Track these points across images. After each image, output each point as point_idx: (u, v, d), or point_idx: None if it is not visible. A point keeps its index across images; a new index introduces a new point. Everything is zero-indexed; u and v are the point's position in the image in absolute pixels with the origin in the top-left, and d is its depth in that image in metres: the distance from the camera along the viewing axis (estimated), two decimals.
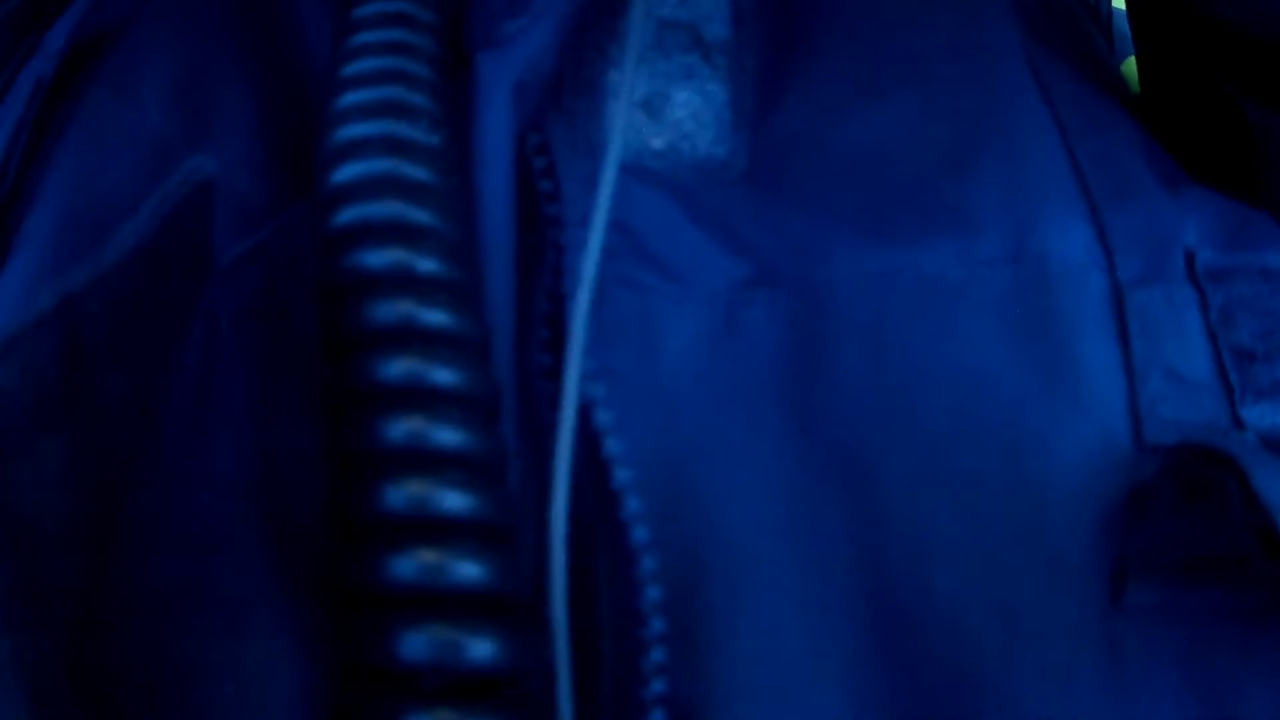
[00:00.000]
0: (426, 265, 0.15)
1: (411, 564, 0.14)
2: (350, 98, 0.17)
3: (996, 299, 0.18)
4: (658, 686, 0.15)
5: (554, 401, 0.16)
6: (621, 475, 0.16)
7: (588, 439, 0.16)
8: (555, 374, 0.16)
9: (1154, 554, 0.16)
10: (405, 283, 0.15)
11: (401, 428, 0.15)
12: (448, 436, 0.15)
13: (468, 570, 0.14)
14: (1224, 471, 0.15)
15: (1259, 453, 0.16)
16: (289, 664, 0.15)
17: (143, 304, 0.14)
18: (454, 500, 0.14)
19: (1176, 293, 0.18)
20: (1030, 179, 0.19)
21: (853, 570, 0.16)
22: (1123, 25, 0.30)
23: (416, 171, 0.16)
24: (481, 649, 0.14)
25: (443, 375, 0.15)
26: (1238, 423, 0.17)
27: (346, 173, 0.16)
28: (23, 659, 0.12)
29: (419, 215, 0.16)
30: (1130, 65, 0.29)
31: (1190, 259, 0.18)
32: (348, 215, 0.16)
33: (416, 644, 0.14)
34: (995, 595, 0.16)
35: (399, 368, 0.15)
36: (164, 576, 0.15)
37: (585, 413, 0.16)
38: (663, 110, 0.20)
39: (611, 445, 0.16)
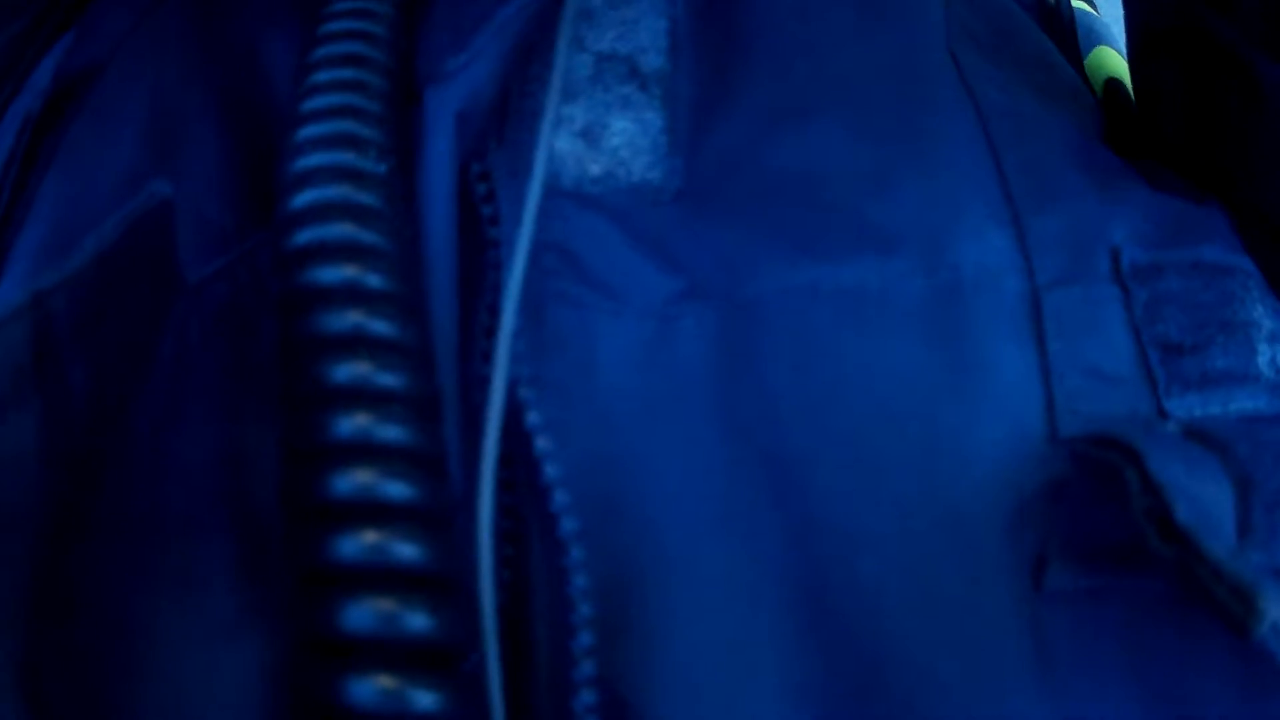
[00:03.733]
0: (373, 281, 0.17)
1: (356, 544, 0.15)
2: (306, 131, 0.19)
3: (912, 307, 0.19)
4: (587, 668, 0.16)
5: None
6: (550, 471, 0.17)
7: (522, 439, 0.18)
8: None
9: (1072, 542, 0.17)
10: (354, 296, 0.17)
11: (350, 424, 0.16)
12: (391, 432, 0.16)
13: (407, 550, 0.15)
14: (1124, 458, 0.16)
15: (1163, 439, 0.17)
16: (249, 641, 0.16)
17: (106, 304, 0.16)
18: (395, 488, 0.16)
19: (1097, 291, 0.19)
20: (950, 192, 0.20)
21: (782, 565, 0.17)
22: (1087, 21, 0.31)
23: (364, 197, 0.18)
24: (418, 621, 0.15)
25: (387, 379, 0.17)
26: (1162, 414, 0.18)
27: (301, 199, 0.18)
28: None
29: (366, 237, 0.17)
30: (1096, 58, 0.30)
31: (1116, 258, 0.19)
32: (302, 237, 0.17)
33: (358, 616, 0.15)
34: (918, 585, 0.17)
35: (348, 371, 0.16)
36: (132, 558, 0.16)
37: (518, 415, 0.18)
38: (600, 138, 0.21)
39: (541, 444, 0.17)
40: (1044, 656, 0.17)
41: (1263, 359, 0.18)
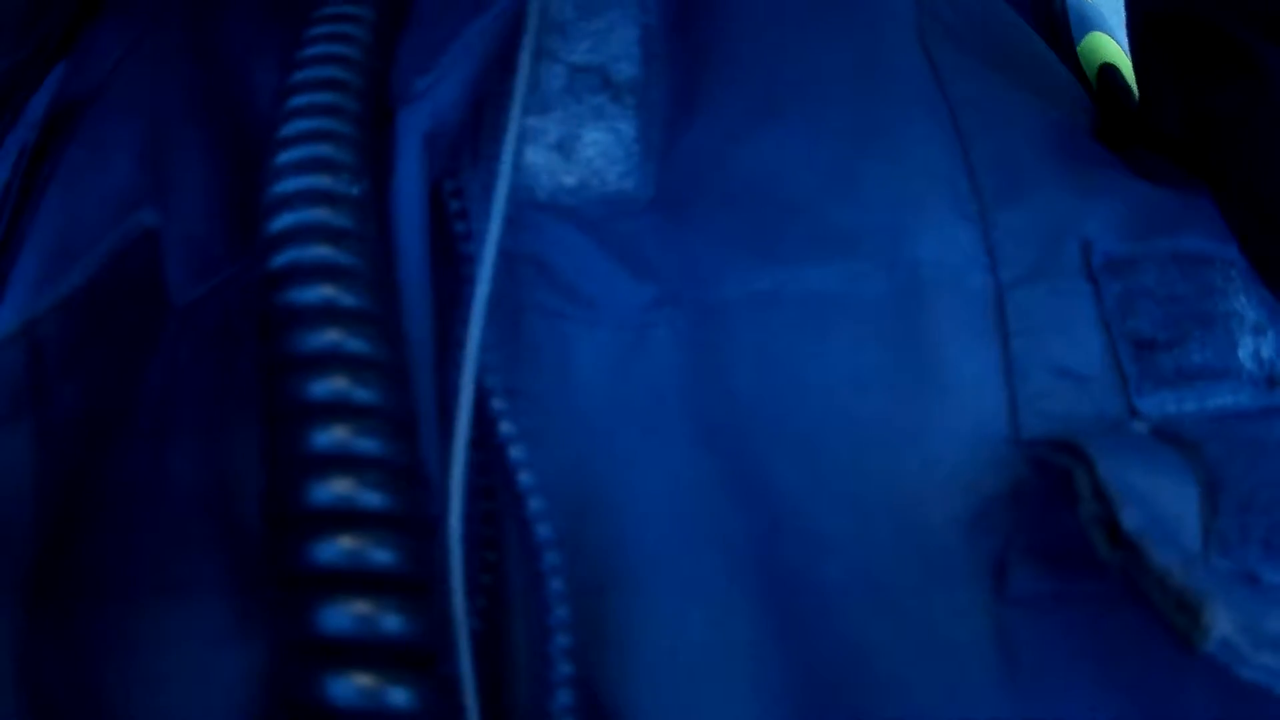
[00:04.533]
0: (348, 300, 0.18)
1: (333, 549, 0.16)
2: (283, 156, 0.19)
3: (873, 308, 0.18)
4: (565, 669, 0.17)
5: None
6: (525, 479, 0.18)
7: (496, 449, 0.18)
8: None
9: (1034, 545, 0.17)
10: (330, 315, 0.18)
11: (327, 436, 0.17)
12: (367, 444, 0.17)
13: (382, 555, 0.16)
14: (1075, 461, 0.16)
15: (1124, 441, 0.16)
16: (238, 648, 0.17)
17: (94, 328, 0.17)
18: (371, 497, 0.16)
19: (1066, 287, 0.18)
20: (915, 188, 0.20)
21: (751, 569, 0.17)
22: (1079, 7, 0.31)
23: (339, 219, 0.18)
24: (393, 622, 0.16)
25: (364, 393, 0.17)
26: (1133, 413, 0.17)
27: (279, 223, 0.18)
28: None
29: (341, 258, 0.18)
30: (1090, 43, 0.29)
31: (1087, 251, 0.19)
32: (280, 259, 0.18)
33: (336, 618, 0.16)
34: (881, 589, 0.17)
35: (325, 387, 0.17)
36: (125, 569, 0.17)
37: (492, 425, 0.18)
38: (574, 150, 0.21)
39: (515, 453, 0.18)
40: (1009, 660, 0.16)
41: (1244, 352, 0.18)
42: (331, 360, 0.17)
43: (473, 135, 0.21)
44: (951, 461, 0.17)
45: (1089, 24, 0.29)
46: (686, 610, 0.17)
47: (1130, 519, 0.14)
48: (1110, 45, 0.29)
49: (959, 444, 0.17)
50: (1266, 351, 0.18)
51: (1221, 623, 0.13)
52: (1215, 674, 0.15)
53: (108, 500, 0.17)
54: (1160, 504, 0.15)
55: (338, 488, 0.16)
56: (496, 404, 0.18)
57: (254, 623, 0.17)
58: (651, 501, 0.18)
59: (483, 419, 0.18)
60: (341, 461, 0.16)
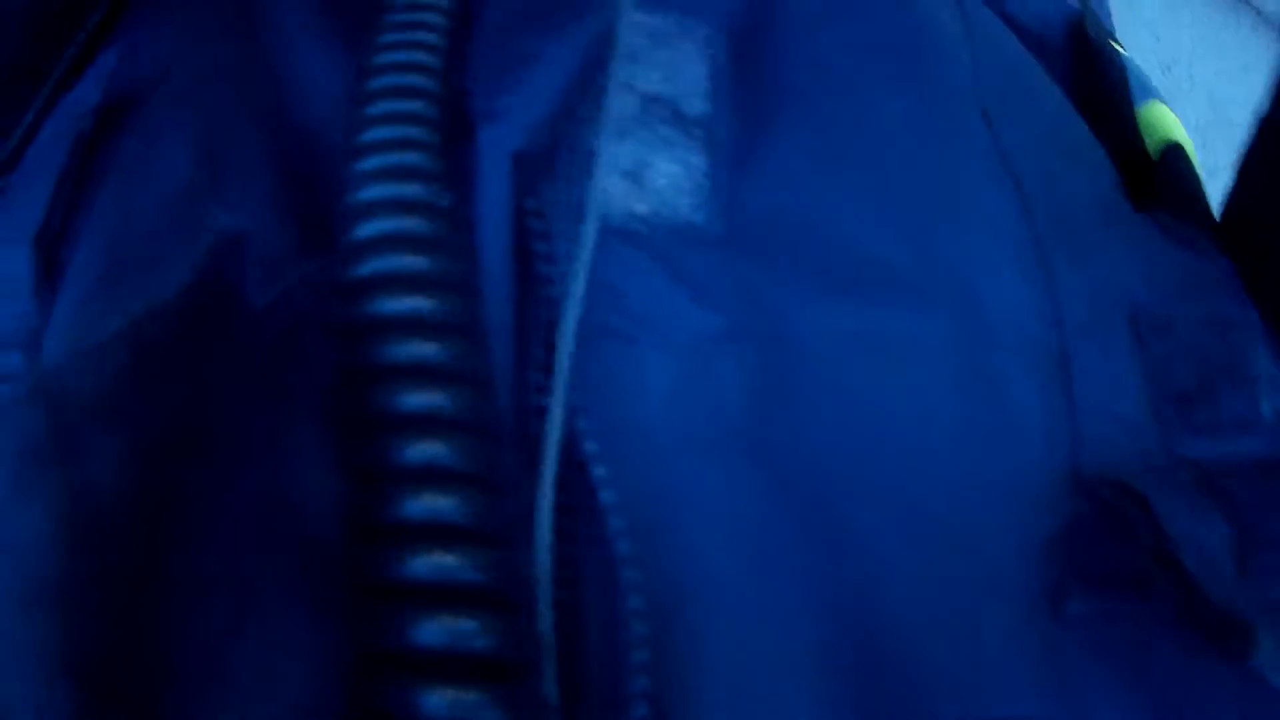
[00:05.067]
0: (442, 311, 0.18)
1: (427, 564, 0.16)
2: (368, 162, 0.19)
3: (944, 354, 0.19)
4: (641, 683, 0.17)
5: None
6: (607, 496, 0.18)
7: (578, 467, 0.18)
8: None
9: (1088, 573, 0.18)
10: (423, 326, 0.18)
11: (421, 450, 0.17)
12: (459, 460, 0.17)
13: (473, 571, 0.16)
14: (1136, 505, 0.17)
15: (1172, 487, 0.17)
16: (307, 653, 0.17)
17: (188, 335, 0.17)
18: (463, 512, 0.17)
19: (1117, 343, 0.19)
20: (984, 246, 0.20)
21: (814, 591, 0.18)
22: (1138, 72, 0.31)
23: (430, 229, 0.19)
24: (482, 637, 0.16)
25: (455, 407, 0.17)
26: (1172, 458, 0.19)
27: (368, 229, 0.18)
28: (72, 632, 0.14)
29: (435, 268, 0.18)
30: (1152, 113, 0.29)
31: (1135, 313, 0.20)
32: (370, 267, 0.18)
33: (429, 631, 0.16)
34: (942, 612, 0.18)
35: (420, 400, 0.17)
36: (207, 573, 0.17)
37: (573, 444, 0.18)
38: (646, 178, 0.22)
39: (598, 471, 0.18)
40: (1061, 677, 0.17)
41: (1266, 407, 0.19)
42: (425, 373, 0.17)
43: (549, 155, 0.21)
44: (1015, 495, 0.18)
45: (1148, 91, 0.30)
46: (750, 631, 0.18)
47: (1190, 559, 0.16)
48: (1171, 120, 0.29)
49: (1023, 480, 0.18)
50: None
51: (1266, 645, 0.16)
52: (1245, 691, 0.17)
53: (189, 504, 0.17)
54: (1203, 543, 0.17)
55: (430, 502, 0.17)
56: (581, 424, 0.18)
57: (325, 631, 0.17)
58: (716, 525, 0.18)
59: (564, 437, 0.18)
60: (434, 476, 0.17)
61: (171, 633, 0.16)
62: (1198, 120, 1.15)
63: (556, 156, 0.21)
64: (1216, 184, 0.26)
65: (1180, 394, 0.19)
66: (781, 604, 0.18)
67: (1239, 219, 0.24)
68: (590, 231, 0.19)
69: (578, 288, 0.19)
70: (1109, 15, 0.38)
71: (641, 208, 0.21)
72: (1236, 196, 0.24)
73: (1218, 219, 0.25)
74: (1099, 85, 0.29)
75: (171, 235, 0.18)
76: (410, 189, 0.19)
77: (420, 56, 0.21)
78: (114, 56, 0.23)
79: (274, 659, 0.17)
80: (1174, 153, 0.27)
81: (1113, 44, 0.31)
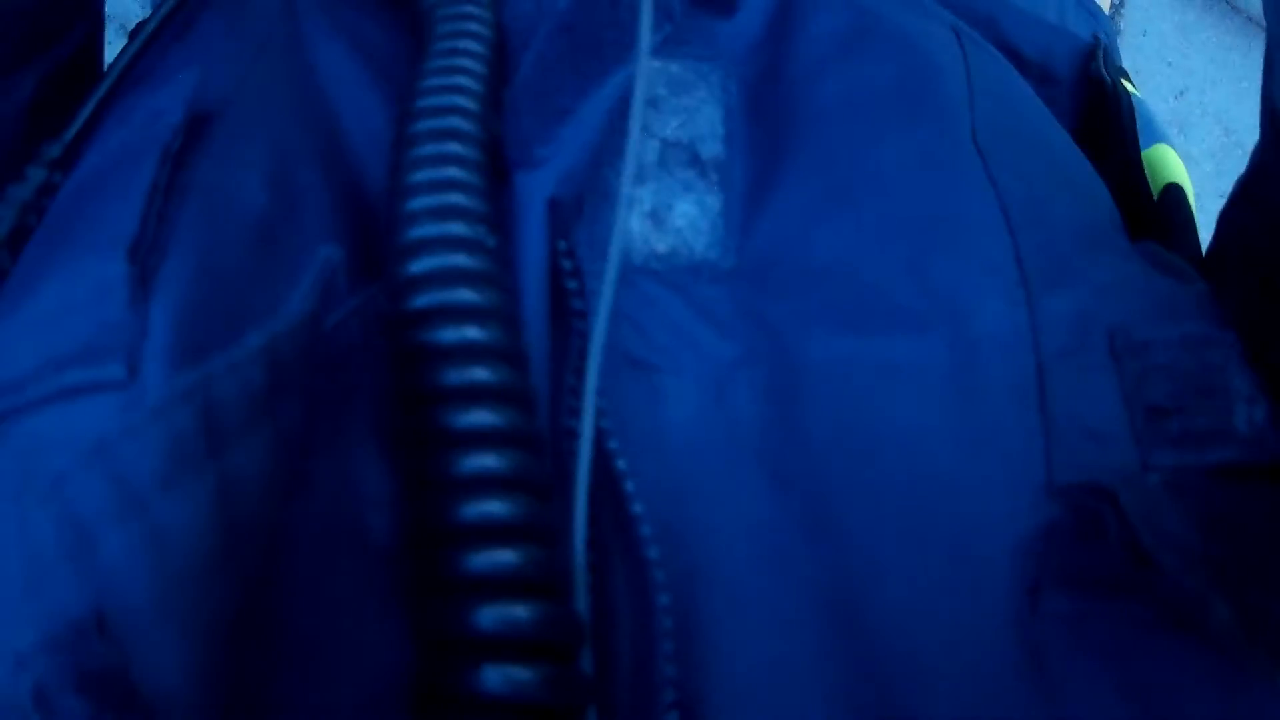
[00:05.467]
0: (492, 340, 0.20)
1: (483, 559, 0.18)
2: (420, 202, 0.21)
3: (937, 376, 0.21)
4: (669, 671, 0.19)
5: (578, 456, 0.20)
6: (636, 508, 0.20)
7: (609, 483, 0.20)
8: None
9: (1064, 572, 0.19)
10: (474, 354, 0.19)
11: (474, 463, 0.19)
12: (508, 468, 0.19)
13: (525, 565, 0.18)
14: (1104, 500, 0.19)
15: (1138, 489, 0.19)
16: (382, 643, 0.19)
17: (304, 353, 0.18)
18: (513, 514, 0.19)
19: (1094, 363, 0.21)
20: (972, 277, 0.22)
21: (818, 592, 0.20)
22: (1146, 113, 0.31)
23: (478, 264, 0.20)
24: (531, 623, 0.18)
25: (504, 424, 0.19)
26: (1145, 466, 0.20)
27: (421, 265, 0.20)
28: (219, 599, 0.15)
29: (485, 300, 0.20)
30: (1157, 154, 0.30)
31: (1112, 337, 0.21)
32: (426, 299, 0.20)
33: (488, 618, 0.18)
34: (933, 608, 0.19)
35: (472, 418, 0.19)
36: (284, 574, 0.18)
37: (607, 461, 0.20)
38: (666, 219, 0.24)
39: (629, 485, 0.20)
40: (1040, 671, 0.19)
41: (1239, 419, 0.20)
42: (478, 395, 0.19)
43: (579, 199, 0.23)
44: (996, 503, 0.20)
45: (1154, 132, 0.30)
46: (761, 628, 0.20)
47: (1146, 539, 0.18)
48: (1175, 162, 0.30)
49: (1005, 489, 0.20)
50: (1258, 417, 0.20)
51: (1219, 609, 0.17)
52: (1218, 685, 0.18)
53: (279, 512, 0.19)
54: (1168, 532, 0.18)
55: (485, 506, 0.18)
56: (613, 443, 0.20)
57: (393, 625, 0.18)
58: (731, 534, 0.20)
59: (596, 454, 0.20)
60: (486, 483, 0.19)
61: (269, 621, 0.18)
62: (1210, 146, 1.16)
63: (585, 201, 0.23)
64: None
65: (1154, 408, 0.20)
66: (787, 606, 0.20)
67: (1229, 242, 0.24)
68: (612, 268, 0.21)
69: (601, 322, 0.21)
70: (1116, 43, 0.39)
71: (661, 247, 0.23)
72: (1228, 219, 0.24)
73: (1211, 240, 0.26)
74: (1107, 127, 0.30)
75: (263, 258, 0.20)
76: (458, 228, 0.21)
77: (461, 101, 0.23)
78: (194, 75, 0.24)
79: (348, 645, 0.18)
80: (1172, 193, 0.29)
81: (1124, 84, 0.31)
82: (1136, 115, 0.31)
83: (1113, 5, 1.15)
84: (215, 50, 0.25)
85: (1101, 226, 0.24)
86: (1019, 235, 0.22)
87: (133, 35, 0.26)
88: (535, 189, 0.22)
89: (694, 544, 0.20)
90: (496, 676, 0.17)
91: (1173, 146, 0.31)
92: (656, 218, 0.24)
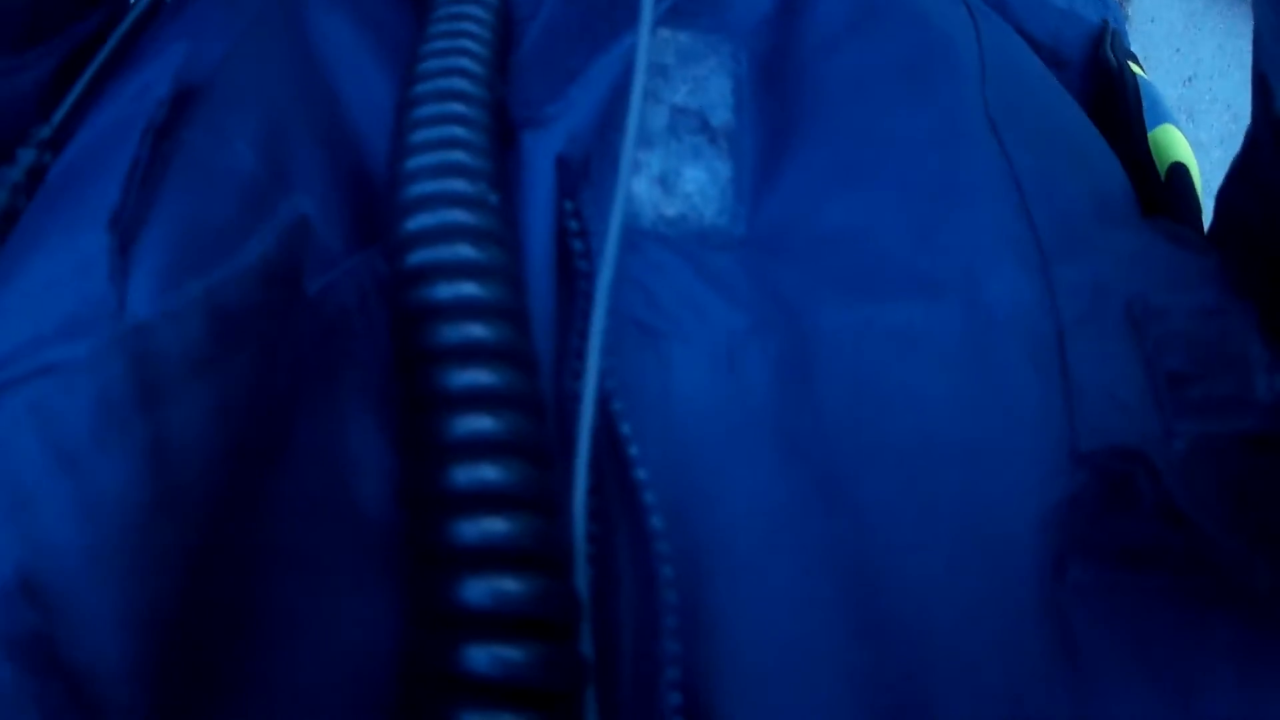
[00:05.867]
0: (491, 297, 0.19)
1: (474, 529, 0.17)
2: (419, 160, 0.21)
3: (953, 343, 0.21)
4: (673, 647, 0.18)
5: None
6: (640, 474, 0.19)
7: (613, 446, 0.19)
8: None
9: (1089, 542, 0.19)
10: (472, 311, 0.19)
11: (467, 425, 0.18)
12: (505, 431, 0.18)
13: (519, 535, 0.17)
14: (1136, 464, 0.19)
15: (1167, 454, 0.19)
16: (367, 616, 0.18)
17: (263, 304, 0.17)
18: (509, 480, 0.18)
19: (1113, 331, 0.21)
20: (987, 245, 0.22)
21: (834, 564, 0.19)
22: (1152, 94, 0.32)
23: (479, 221, 0.20)
24: (524, 598, 0.17)
25: (501, 385, 0.18)
26: (1167, 433, 0.20)
27: (416, 222, 0.20)
28: (153, 553, 0.15)
29: (484, 257, 0.20)
30: (1163, 135, 0.30)
31: (1130, 304, 0.21)
32: (421, 257, 0.19)
33: (476, 592, 0.17)
34: (955, 582, 0.19)
35: (468, 378, 0.18)
36: (259, 542, 0.18)
37: (611, 425, 0.20)
38: (675, 185, 0.23)
39: (633, 450, 0.19)
40: (1066, 644, 0.19)
41: (1260, 387, 0.20)
42: (474, 353, 0.19)
43: (586, 160, 0.23)
44: (1020, 472, 0.20)
45: (1160, 113, 0.30)
46: (773, 604, 0.19)
47: (1183, 501, 0.18)
48: (1180, 142, 0.30)
49: (1027, 458, 0.20)
50: (1279, 386, 0.20)
51: (1262, 571, 0.18)
52: (1239, 661, 0.18)
53: (258, 476, 0.18)
54: (1201, 495, 0.18)
55: (478, 471, 0.18)
56: (617, 405, 0.20)
57: (379, 596, 0.18)
58: (742, 506, 0.20)
59: (599, 417, 0.19)
60: (481, 447, 0.18)
61: (242, 593, 0.17)
62: (1220, 132, 1.15)
63: (592, 163, 0.23)
64: None
65: (1174, 375, 0.20)
66: (802, 581, 0.19)
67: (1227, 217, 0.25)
68: (615, 227, 0.21)
69: (604, 281, 0.20)
70: (1125, 29, 0.39)
71: (670, 211, 0.23)
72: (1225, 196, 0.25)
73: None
74: (1114, 109, 0.30)
75: (252, 225, 0.19)
76: (458, 185, 0.20)
77: (465, 63, 0.22)
78: (181, 50, 0.24)
79: (334, 620, 0.18)
80: (1177, 172, 0.28)
81: (1131, 67, 0.32)
82: (1143, 96, 0.31)
83: None
84: (207, 23, 0.25)
85: (1115, 199, 0.24)
86: (1033, 206, 0.22)
87: (126, 14, 0.26)
88: (544, 147, 0.22)
89: (702, 516, 0.20)
90: (483, 656, 0.16)
91: (1180, 129, 0.31)
92: (665, 183, 0.23)
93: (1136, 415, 0.20)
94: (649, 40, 0.23)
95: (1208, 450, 0.19)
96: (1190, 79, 1.14)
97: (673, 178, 0.23)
